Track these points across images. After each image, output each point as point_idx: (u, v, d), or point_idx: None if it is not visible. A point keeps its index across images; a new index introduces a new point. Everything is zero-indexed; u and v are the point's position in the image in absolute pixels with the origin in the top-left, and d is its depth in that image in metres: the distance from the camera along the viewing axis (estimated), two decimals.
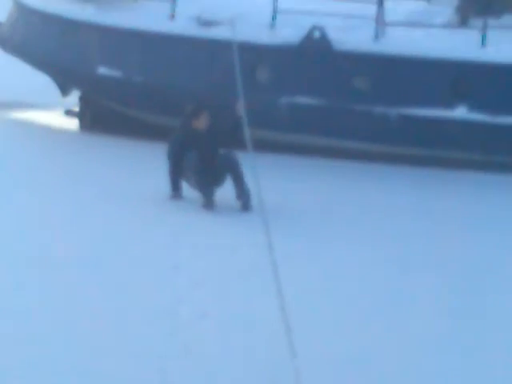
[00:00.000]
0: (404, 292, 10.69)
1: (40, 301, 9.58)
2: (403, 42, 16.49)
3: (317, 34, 16.34)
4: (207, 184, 13.78)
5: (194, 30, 16.63)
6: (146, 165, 15.72)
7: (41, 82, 20.00)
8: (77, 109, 19.38)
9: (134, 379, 7.86)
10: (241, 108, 11.53)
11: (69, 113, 19.54)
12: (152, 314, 9.31)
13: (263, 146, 11.91)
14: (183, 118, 13.95)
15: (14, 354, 7.91)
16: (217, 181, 13.61)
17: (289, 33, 16.53)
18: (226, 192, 13.62)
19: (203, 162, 13.67)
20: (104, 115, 18.74)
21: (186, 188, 13.77)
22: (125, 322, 9.13)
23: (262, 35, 16.47)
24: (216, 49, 15.91)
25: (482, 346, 8.98)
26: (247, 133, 10.02)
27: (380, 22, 16.47)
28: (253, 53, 15.55)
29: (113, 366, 7.98)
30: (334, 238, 12.82)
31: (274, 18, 16.65)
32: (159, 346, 8.44)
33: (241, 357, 8.51)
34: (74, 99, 19.63)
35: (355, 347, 8.97)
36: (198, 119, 13.65)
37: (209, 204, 13.38)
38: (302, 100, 16.54)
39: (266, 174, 9.62)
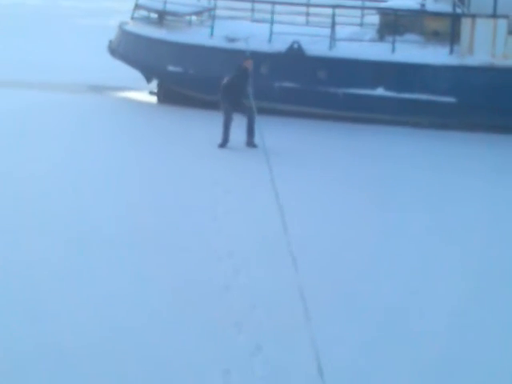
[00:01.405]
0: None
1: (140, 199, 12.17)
2: (346, 50, 18.75)
3: (295, 46, 18.67)
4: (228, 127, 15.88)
5: (224, 44, 18.93)
6: (198, 124, 18.12)
7: (135, 75, 21.66)
8: (156, 90, 21.46)
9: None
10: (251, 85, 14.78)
11: (151, 93, 21.61)
12: (199, 208, 11.75)
13: (265, 112, 15.28)
14: (240, 62, 16.23)
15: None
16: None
17: (279, 45, 18.85)
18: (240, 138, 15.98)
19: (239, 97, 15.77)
20: (172, 94, 20.80)
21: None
22: (181, 210, 11.50)
23: (263, 47, 18.76)
24: (237, 55, 17.49)
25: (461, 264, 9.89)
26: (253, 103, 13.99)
27: (332, 38, 18.75)
28: (258, 57, 17.45)
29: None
30: (320, 166, 14.76)
31: (270, 36, 18.95)
32: (204, 226, 10.84)
33: (249, 229, 10.73)
34: (154, 85, 21.52)
35: (339, 234, 10.79)
36: (248, 62, 16.15)
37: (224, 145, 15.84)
38: (288, 84, 18.76)
39: (269, 129, 12.88)
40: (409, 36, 19.21)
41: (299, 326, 7.30)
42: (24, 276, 8.96)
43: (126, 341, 7.45)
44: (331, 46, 18.96)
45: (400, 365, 7.19)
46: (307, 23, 21.54)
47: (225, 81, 16.11)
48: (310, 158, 15.53)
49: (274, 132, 16.02)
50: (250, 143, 16.04)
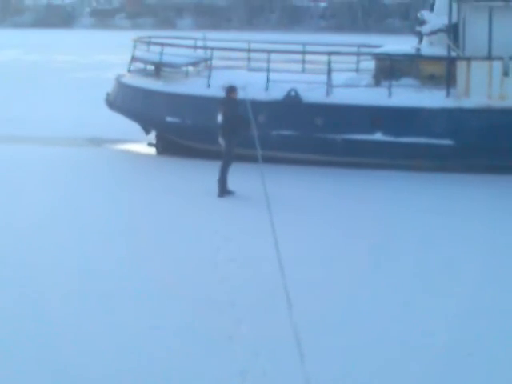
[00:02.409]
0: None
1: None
2: (344, 96, 18.91)
3: (292, 93, 18.89)
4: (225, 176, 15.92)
5: (220, 93, 17.67)
6: (198, 174, 18.10)
7: (133, 127, 21.74)
8: (154, 142, 21.51)
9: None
10: (253, 129, 14.62)
11: (150, 144, 21.71)
12: (199, 257, 11.86)
13: (263, 160, 14.38)
14: (225, 91, 16.51)
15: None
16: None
17: (276, 93, 19.05)
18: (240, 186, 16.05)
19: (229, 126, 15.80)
20: (170, 145, 20.95)
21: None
22: (182, 261, 11.65)
23: (261, 95, 18.86)
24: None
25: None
26: (259, 150, 13.34)
27: (329, 85, 18.95)
28: (256, 105, 16.88)
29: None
30: (319, 212, 14.98)
31: (267, 84, 19.16)
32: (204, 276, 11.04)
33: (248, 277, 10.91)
34: (152, 136, 21.51)
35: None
36: (233, 91, 16.33)
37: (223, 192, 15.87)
38: (285, 132, 18.94)
39: (268, 177, 12.69)
40: (405, 80, 19.42)
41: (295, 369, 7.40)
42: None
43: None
44: (328, 93, 19.19)
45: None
46: (303, 70, 21.67)
47: (219, 121, 16.21)
48: (309, 205, 15.64)
49: (273, 179, 15.60)
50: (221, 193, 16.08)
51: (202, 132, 19.34)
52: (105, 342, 8.64)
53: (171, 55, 20.71)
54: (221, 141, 16.23)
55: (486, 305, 10.20)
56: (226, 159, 16.18)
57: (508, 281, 11.29)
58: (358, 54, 22.09)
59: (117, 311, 9.56)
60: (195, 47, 22.18)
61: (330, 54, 19.45)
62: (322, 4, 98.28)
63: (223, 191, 16.04)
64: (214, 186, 16.07)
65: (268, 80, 19.37)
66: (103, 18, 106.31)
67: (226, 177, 16.16)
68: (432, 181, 17.95)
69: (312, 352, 7.97)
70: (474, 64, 18.23)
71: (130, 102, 21.30)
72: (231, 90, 16.43)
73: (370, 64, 21.01)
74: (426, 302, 10.30)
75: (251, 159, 15.37)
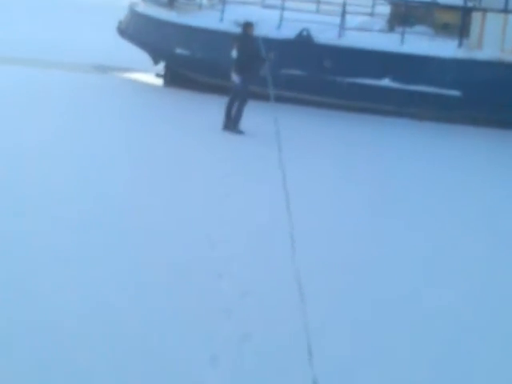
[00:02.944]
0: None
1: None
2: (356, 39, 18.76)
3: (304, 33, 18.72)
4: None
5: (233, 28, 18.00)
6: (202, 106, 18.13)
7: (142, 56, 21.64)
8: (162, 73, 21.45)
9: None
10: (266, 68, 14.43)
11: (158, 75, 21.62)
12: (201, 190, 11.55)
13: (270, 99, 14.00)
14: (241, 27, 16.05)
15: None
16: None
17: (288, 32, 18.84)
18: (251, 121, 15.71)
19: (243, 62, 15.42)
20: (178, 77, 20.77)
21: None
22: (183, 195, 11.26)
23: (273, 33, 18.66)
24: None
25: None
26: (271, 89, 12.97)
27: (341, 27, 18.87)
28: (268, 42, 16.52)
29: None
30: (326, 154, 14.72)
31: (280, 23, 19.05)
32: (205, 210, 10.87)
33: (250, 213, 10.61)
34: (161, 67, 21.46)
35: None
36: (250, 27, 15.86)
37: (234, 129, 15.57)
38: (295, 72, 18.77)
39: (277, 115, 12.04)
40: (419, 28, 19.33)
41: (293, 313, 7.19)
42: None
43: (113, 325, 7.24)
44: (340, 35, 19.00)
45: (393, 353, 7.11)
46: (318, 11, 21.50)
47: (234, 56, 15.78)
48: (315, 147, 15.50)
49: (280, 119, 15.40)
50: (227, 126, 15.84)
51: (212, 66, 19.23)
52: (97, 270, 8.46)
53: None
54: (234, 77, 15.78)
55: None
56: (242, 96, 15.74)
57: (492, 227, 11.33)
58: None
59: (109, 242, 9.34)
60: None
61: None
62: None
63: (234, 127, 15.71)
64: (220, 121, 15.84)
65: (281, 18, 19.16)
66: None
67: (241, 115, 15.77)
68: (436, 131, 17.84)
69: (311, 296, 7.60)
70: (489, 16, 17.96)
71: (142, 31, 21.13)
72: (248, 25, 15.97)
73: (385, 9, 20.86)
74: (427, 247, 10.22)
75: (261, 97, 15.22)
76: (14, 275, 7.99)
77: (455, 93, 18.07)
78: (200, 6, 21.08)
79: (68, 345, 6.70)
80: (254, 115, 15.70)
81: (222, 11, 19.70)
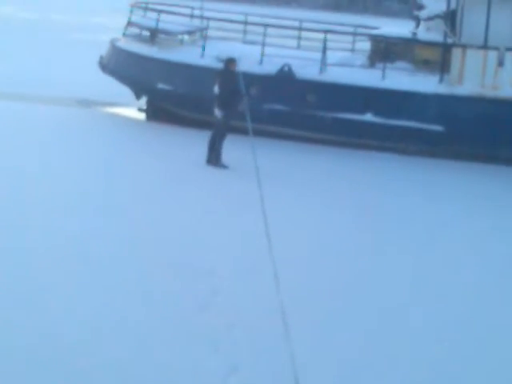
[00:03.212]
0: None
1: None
2: (337, 74, 18.85)
3: (286, 69, 18.77)
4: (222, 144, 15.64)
5: (214, 64, 18.29)
6: (184, 140, 18.16)
7: (124, 91, 21.65)
8: (144, 107, 21.43)
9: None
10: (244, 104, 14.21)
11: (140, 110, 21.62)
12: (183, 224, 11.72)
13: (254, 133, 13.78)
14: (224, 64, 16.10)
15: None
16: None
17: (270, 67, 18.89)
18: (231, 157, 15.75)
19: (225, 98, 15.46)
20: (160, 112, 20.77)
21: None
22: (165, 226, 11.45)
23: (254, 68, 18.75)
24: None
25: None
26: (249, 121, 12.59)
27: (323, 63, 18.85)
28: (249, 78, 17.06)
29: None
30: (307, 188, 14.90)
31: (261, 58, 19.00)
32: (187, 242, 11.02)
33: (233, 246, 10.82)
34: (143, 102, 21.48)
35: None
36: (232, 63, 15.91)
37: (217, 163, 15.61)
38: (277, 107, 18.80)
39: (257, 150, 12.03)
40: (399, 63, 19.36)
41: (279, 345, 7.19)
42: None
43: (96, 354, 7.31)
44: (322, 71, 19.06)
45: None
46: (299, 47, 21.61)
47: (216, 92, 15.90)
48: (297, 180, 15.57)
49: (262, 153, 15.50)
50: (210, 160, 15.91)
51: (193, 101, 19.25)
52: (83, 301, 8.53)
53: (167, 22, 20.62)
54: (216, 112, 15.91)
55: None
56: (222, 131, 15.88)
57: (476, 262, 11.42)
58: (355, 34, 22.00)
59: (94, 272, 9.46)
60: (192, 16, 21.95)
61: (326, 32, 19.27)
62: None
63: (217, 162, 15.78)
64: (202, 155, 15.87)
65: (262, 54, 19.19)
66: None
67: (221, 148, 15.88)
68: (418, 165, 17.94)
69: (297, 326, 7.73)
70: (469, 52, 18.18)
71: (123, 66, 21.16)
72: (230, 61, 16.09)
73: (366, 45, 20.90)
74: (407, 272, 10.40)
75: (242, 132, 14.86)
76: (20, 287, 8.32)
77: (437, 127, 18.18)
78: (181, 42, 21.16)
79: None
80: (235, 149, 15.70)
81: (204, 47, 19.73)
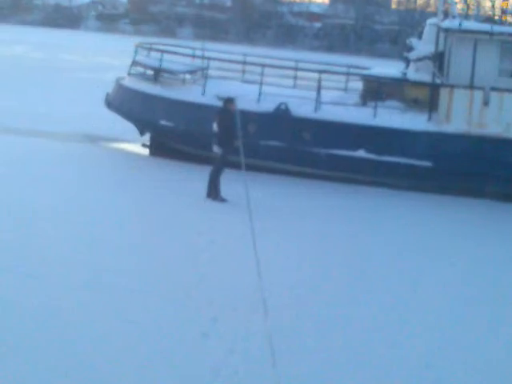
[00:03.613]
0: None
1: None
2: (331, 113, 18.90)
3: (283, 107, 18.88)
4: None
5: (214, 102, 18.39)
6: (187, 177, 18.06)
7: (128, 128, 21.77)
8: (148, 143, 21.58)
9: None
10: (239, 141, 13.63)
11: (144, 145, 21.76)
12: (181, 257, 11.80)
13: (251, 169, 14.41)
14: (223, 102, 16.22)
15: None
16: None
17: (267, 105, 18.98)
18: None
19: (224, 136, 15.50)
20: (163, 147, 20.78)
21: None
22: (164, 259, 11.60)
23: (252, 106, 18.73)
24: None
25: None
26: (243, 159, 12.24)
27: (318, 101, 18.92)
28: (247, 115, 16.95)
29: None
30: (299, 221, 14.88)
31: (259, 97, 19.10)
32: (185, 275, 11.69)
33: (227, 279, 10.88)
34: (146, 138, 21.49)
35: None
36: (231, 103, 16.02)
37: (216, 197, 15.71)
38: (274, 143, 18.81)
39: (253, 185, 12.64)
40: (390, 102, 19.43)
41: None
42: None
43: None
44: (316, 109, 19.12)
45: None
46: (294, 86, 21.64)
47: (215, 129, 15.99)
48: (290, 214, 15.53)
49: (258, 188, 15.86)
50: (210, 194, 15.96)
51: (194, 137, 19.30)
52: (89, 331, 8.58)
53: (170, 62, 20.74)
54: (216, 149, 16.02)
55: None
56: (219, 166, 15.99)
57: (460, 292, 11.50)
58: (348, 75, 22.04)
59: (96, 304, 9.49)
60: (193, 56, 21.99)
61: (320, 72, 19.41)
62: (317, 25, 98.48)
63: (216, 195, 15.87)
64: (202, 189, 15.92)
65: (260, 92, 19.30)
66: (108, 22, 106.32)
67: (218, 182, 15.97)
68: (408, 200, 17.90)
69: (284, 354, 7.91)
70: (456, 92, 18.32)
71: (128, 104, 21.25)
72: (228, 101, 16.20)
73: (358, 84, 21.01)
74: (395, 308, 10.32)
75: (239, 167, 15.15)
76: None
77: (426, 163, 18.25)
78: (183, 81, 21.19)
79: None
80: (234, 183, 15.50)
81: (204, 86, 19.81)
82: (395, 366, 8.32)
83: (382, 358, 8.52)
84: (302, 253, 12.71)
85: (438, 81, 18.94)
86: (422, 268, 12.56)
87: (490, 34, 18.69)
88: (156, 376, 7.61)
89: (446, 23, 19.27)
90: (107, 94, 22.07)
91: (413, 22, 79.73)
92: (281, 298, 10.00)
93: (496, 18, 22.14)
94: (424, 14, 72.96)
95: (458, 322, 10.11)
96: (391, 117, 18.79)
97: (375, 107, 18.84)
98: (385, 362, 8.42)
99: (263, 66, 19.78)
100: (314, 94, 19.26)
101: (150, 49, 21.90)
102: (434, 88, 18.77)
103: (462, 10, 22.50)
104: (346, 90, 21.54)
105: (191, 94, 20.06)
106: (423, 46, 20.03)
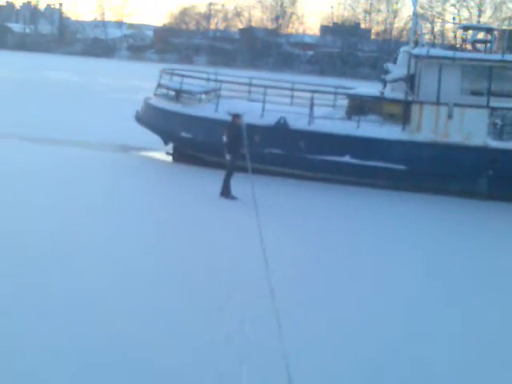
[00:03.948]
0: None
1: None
2: (322, 125, 18.85)
3: (282, 121, 18.87)
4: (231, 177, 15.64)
5: (226, 117, 18.11)
6: (204, 180, 17.88)
7: (154, 139, 21.59)
8: (171, 152, 21.25)
9: None
10: (245, 149, 14.09)
11: (167, 153, 21.41)
12: (194, 252, 11.40)
13: (257, 172, 14.65)
14: (232, 118, 16.12)
15: None
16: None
17: (269, 119, 18.98)
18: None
19: (232, 145, 15.50)
20: (184, 155, 20.63)
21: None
22: (178, 254, 11.22)
23: (257, 120, 18.62)
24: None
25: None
26: (249, 164, 12.91)
27: (311, 116, 18.84)
28: (252, 128, 16.60)
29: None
30: (301, 216, 14.78)
31: (262, 112, 19.04)
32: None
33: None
34: (170, 147, 21.23)
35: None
36: (238, 119, 16.01)
37: (228, 196, 15.66)
38: (275, 151, 18.81)
39: (259, 186, 12.35)
40: (370, 116, 19.34)
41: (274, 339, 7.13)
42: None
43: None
44: (310, 122, 19.05)
45: None
46: (292, 103, 21.54)
47: (225, 140, 16.07)
48: (292, 211, 15.38)
49: (262, 188, 15.66)
50: (223, 193, 15.88)
51: (210, 146, 19.22)
52: (127, 305, 8.52)
53: (189, 84, 20.74)
54: (227, 156, 16.09)
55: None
56: (230, 170, 16.00)
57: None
58: (335, 94, 21.93)
59: (127, 287, 9.38)
60: (208, 79, 21.99)
61: (313, 91, 19.43)
62: (310, 52, 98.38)
63: (228, 194, 15.83)
64: (216, 189, 15.89)
65: (263, 109, 19.27)
66: (137, 52, 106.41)
67: (229, 183, 15.95)
68: (387, 197, 17.82)
69: (289, 325, 7.74)
70: (425, 107, 18.28)
71: (154, 119, 21.16)
72: (236, 117, 16.17)
73: (344, 102, 20.97)
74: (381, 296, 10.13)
75: (247, 171, 14.99)
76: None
77: (401, 167, 18.24)
78: (200, 100, 21.15)
79: None
80: (244, 185, 15.19)
81: (217, 104, 19.79)
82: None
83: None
84: (304, 244, 12.55)
85: (410, 98, 18.88)
86: (415, 258, 12.47)
87: (453, 59, 18.69)
88: (178, 342, 7.57)
89: (416, 50, 19.25)
90: (137, 112, 22.01)
91: (389, 49, 79.23)
92: (285, 281, 9.89)
93: (457, 46, 22.15)
94: (398, 43, 72.42)
95: (439, 300, 9.98)
96: (372, 128, 18.74)
97: (358, 120, 18.79)
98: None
99: (266, 87, 19.75)
100: (307, 109, 19.18)
101: (172, 74, 21.82)
102: (407, 104, 18.73)
103: (430, 39, 22.54)
104: (334, 106, 21.44)
105: (206, 110, 20.01)
106: (398, 69, 19.93)
